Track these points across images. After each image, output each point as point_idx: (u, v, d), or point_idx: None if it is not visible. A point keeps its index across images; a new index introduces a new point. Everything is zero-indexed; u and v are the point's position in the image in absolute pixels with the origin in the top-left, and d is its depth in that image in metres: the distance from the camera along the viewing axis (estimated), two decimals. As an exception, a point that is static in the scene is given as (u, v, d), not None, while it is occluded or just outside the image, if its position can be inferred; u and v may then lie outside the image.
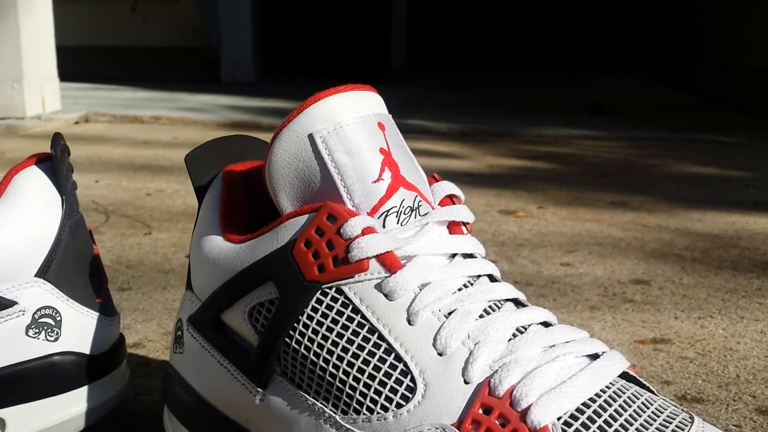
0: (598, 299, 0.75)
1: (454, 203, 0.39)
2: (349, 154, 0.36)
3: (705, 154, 1.70)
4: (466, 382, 0.33)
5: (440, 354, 0.34)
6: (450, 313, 0.35)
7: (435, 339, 0.34)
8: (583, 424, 0.32)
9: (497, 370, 0.33)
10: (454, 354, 0.34)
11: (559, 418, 0.32)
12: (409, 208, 0.37)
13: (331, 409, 0.35)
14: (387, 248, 0.35)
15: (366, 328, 0.35)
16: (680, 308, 0.73)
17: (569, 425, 0.32)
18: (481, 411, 0.32)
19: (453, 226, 0.38)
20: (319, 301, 0.36)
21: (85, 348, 0.45)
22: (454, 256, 0.37)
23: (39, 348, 0.44)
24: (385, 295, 0.35)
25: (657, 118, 2.33)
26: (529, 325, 0.35)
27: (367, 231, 0.35)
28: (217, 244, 0.40)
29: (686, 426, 0.33)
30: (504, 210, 1.12)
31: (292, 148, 0.37)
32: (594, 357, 0.35)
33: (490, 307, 0.36)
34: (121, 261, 0.84)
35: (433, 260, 0.36)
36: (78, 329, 0.45)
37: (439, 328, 0.34)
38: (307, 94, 0.38)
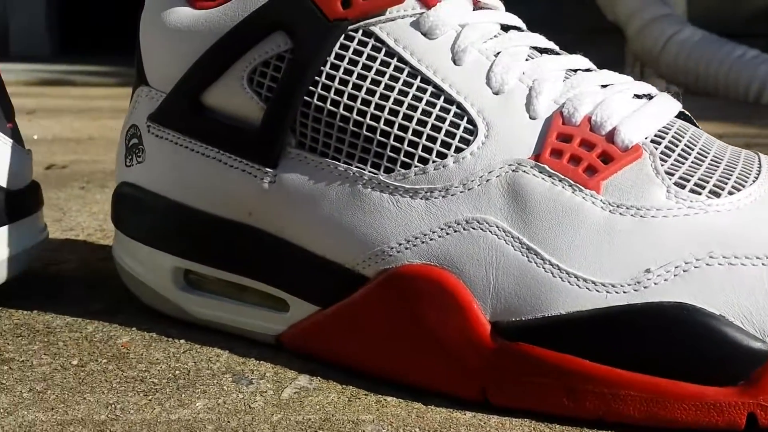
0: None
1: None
2: None
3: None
4: (532, 118, 0.29)
5: (496, 93, 0.29)
6: (497, 54, 0.30)
7: (488, 77, 0.30)
8: (671, 142, 0.29)
9: (565, 103, 0.29)
10: (512, 91, 0.29)
11: (646, 138, 0.29)
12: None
13: (370, 171, 0.29)
14: (423, -24, 0.30)
15: (406, 71, 0.29)
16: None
17: (657, 144, 0.29)
18: (559, 140, 0.28)
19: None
20: (344, 47, 0.30)
21: (2, 180, 0.36)
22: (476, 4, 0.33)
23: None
24: (424, 34, 0.30)
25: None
26: (576, 70, 0.32)
27: (398, -41, 0.30)
28: (184, 14, 0.33)
29: (756, 157, 0.31)
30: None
31: None
32: (649, 96, 0.32)
33: (532, 52, 0.32)
34: None
35: (463, 1, 0.32)
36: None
37: (491, 66, 0.30)
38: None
